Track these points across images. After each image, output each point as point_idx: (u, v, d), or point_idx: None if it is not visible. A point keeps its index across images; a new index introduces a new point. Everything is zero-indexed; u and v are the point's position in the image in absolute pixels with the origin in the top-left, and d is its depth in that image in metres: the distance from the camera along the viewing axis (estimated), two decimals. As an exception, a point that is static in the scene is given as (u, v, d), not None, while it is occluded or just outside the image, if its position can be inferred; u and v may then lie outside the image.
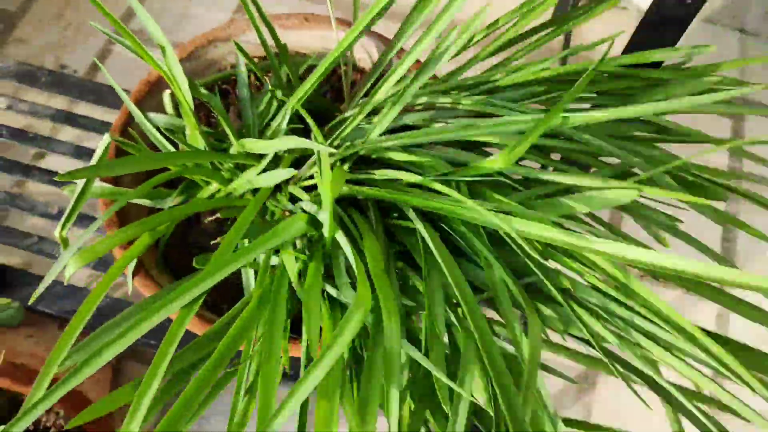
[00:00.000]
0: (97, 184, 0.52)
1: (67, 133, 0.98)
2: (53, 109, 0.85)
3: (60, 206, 0.81)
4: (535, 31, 0.61)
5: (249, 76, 0.58)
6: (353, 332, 0.32)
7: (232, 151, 0.49)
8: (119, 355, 0.39)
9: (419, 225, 0.41)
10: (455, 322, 0.41)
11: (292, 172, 0.44)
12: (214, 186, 0.53)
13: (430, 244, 0.40)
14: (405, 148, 0.48)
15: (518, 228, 0.39)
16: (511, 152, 0.39)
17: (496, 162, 0.40)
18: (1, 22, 1.13)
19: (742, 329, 1.05)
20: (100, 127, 0.85)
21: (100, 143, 0.48)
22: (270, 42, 0.61)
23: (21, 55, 1.11)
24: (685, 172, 0.57)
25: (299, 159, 0.55)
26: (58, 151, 0.83)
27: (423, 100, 0.54)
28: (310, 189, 0.51)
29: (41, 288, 0.41)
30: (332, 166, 0.49)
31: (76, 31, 1.14)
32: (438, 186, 0.42)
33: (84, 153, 0.83)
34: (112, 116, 0.88)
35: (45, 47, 1.12)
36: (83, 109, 0.90)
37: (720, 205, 1.12)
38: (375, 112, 0.55)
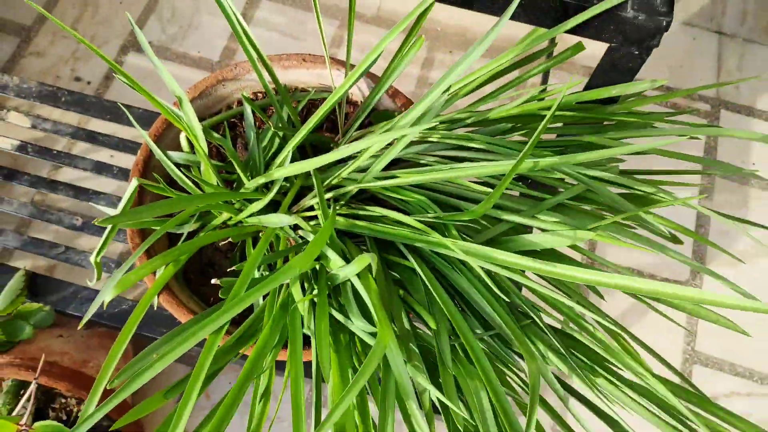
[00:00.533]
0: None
1: (87, 150, 1.06)
2: (73, 127, 0.93)
3: (83, 218, 0.89)
4: (516, 65, 0.68)
5: (254, 113, 0.65)
6: (374, 368, 0.41)
7: (244, 189, 0.57)
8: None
9: (420, 270, 0.49)
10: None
11: (294, 220, 0.52)
12: (226, 215, 0.61)
13: (434, 294, 0.48)
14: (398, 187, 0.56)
15: (506, 260, 0.47)
16: (486, 204, 0.48)
17: (472, 213, 0.48)
18: (17, 36, 1.20)
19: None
20: (117, 143, 0.93)
21: (128, 187, 0.56)
22: (268, 78, 0.69)
23: (38, 67, 1.18)
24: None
25: (303, 187, 0.63)
26: (80, 167, 0.91)
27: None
28: (311, 218, 0.59)
29: (91, 310, 0.49)
30: (329, 203, 0.57)
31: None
32: (422, 227, 0.50)
33: (103, 168, 0.91)
34: (127, 133, 0.96)
35: (60, 60, 1.19)
36: (101, 126, 0.97)
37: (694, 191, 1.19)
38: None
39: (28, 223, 1.06)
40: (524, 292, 0.95)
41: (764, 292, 1.17)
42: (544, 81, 1.25)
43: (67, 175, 1.08)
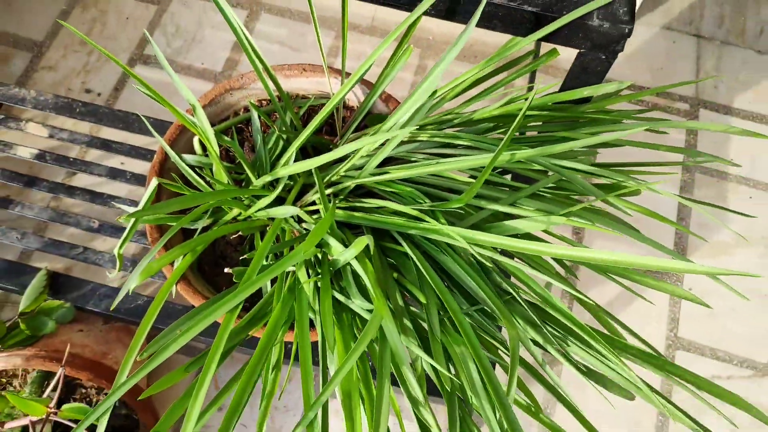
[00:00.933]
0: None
1: (99, 157, 1.12)
2: (88, 136, 1.00)
3: (99, 220, 0.95)
4: (501, 70, 0.74)
5: (260, 118, 0.72)
6: (372, 335, 0.47)
7: (252, 187, 0.63)
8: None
9: (411, 253, 0.56)
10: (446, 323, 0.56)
11: (297, 210, 0.58)
12: (236, 210, 0.67)
13: (425, 273, 0.54)
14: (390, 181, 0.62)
15: (490, 241, 0.53)
16: (469, 193, 0.54)
17: (459, 201, 0.54)
18: (29, 51, 1.27)
19: (691, 306, 1.19)
20: (129, 150, 0.99)
21: (149, 187, 0.62)
22: (272, 86, 0.75)
23: (50, 80, 1.25)
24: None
25: (305, 185, 0.69)
26: (95, 173, 0.97)
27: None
28: (313, 212, 0.66)
29: (118, 299, 0.55)
30: (329, 197, 0.63)
31: (98, 57, 1.27)
32: (417, 213, 0.57)
33: (117, 173, 0.98)
34: (138, 140, 1.02)
35: (71, 73, 1.25)
36: (114, 135, 1.03)
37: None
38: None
39: (45, 227, 1.12)
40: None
41: (744, 282, 1.23)
42: (531, 81, 1.31)
43: (82, 180, 1.14)
